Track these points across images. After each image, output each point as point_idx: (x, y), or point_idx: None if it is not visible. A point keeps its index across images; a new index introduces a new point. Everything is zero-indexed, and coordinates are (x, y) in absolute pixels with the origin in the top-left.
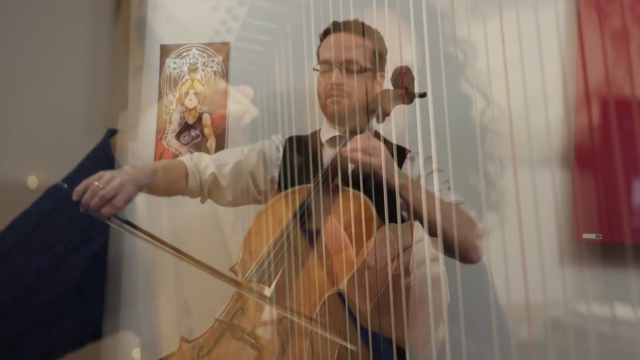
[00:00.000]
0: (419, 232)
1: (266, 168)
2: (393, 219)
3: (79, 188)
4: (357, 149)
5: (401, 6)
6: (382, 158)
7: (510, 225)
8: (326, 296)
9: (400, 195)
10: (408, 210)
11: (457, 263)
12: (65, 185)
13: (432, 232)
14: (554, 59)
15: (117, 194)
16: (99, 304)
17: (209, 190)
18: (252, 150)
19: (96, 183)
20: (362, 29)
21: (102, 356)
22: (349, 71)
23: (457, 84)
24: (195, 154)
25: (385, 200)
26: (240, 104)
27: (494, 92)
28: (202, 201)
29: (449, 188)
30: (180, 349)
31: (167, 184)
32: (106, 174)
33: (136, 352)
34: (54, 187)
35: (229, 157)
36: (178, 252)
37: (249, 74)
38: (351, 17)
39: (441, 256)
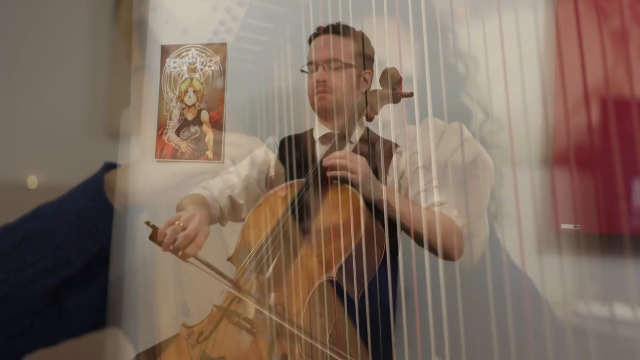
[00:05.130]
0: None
1: (265, 172)
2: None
3: (161, 228)
4: (335, 166)
5: (401, 14)
6: (359, 175)
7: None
8: (317, 283)
9: (377, 207)
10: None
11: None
12: (151, 222)
13: (415, 239)
14: (539, 65)
15: (198, 232)
16: (75, 307)
17: (227, 213)
18: (254, 162)
19: (177, 222)
20: (343, 30)
21: (104, 356)
22: (332, 68)
23: (457, 96)
24: (204, 183)
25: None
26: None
27: (485, 93)
28: (223, 224)
29: (435, 187)
30: (181, 334)
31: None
32: (184, 214)
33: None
34: (42, 209)
35: (235, 177)
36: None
37: (248, 74)
38: (341, 21)
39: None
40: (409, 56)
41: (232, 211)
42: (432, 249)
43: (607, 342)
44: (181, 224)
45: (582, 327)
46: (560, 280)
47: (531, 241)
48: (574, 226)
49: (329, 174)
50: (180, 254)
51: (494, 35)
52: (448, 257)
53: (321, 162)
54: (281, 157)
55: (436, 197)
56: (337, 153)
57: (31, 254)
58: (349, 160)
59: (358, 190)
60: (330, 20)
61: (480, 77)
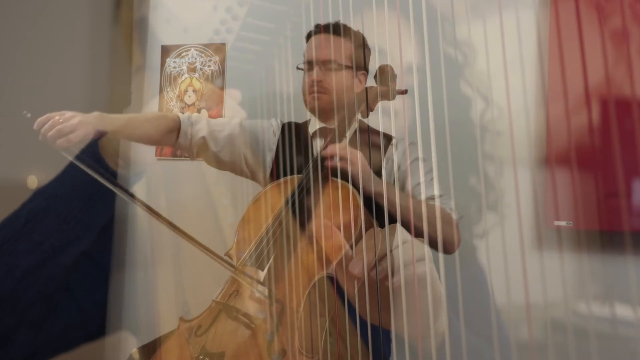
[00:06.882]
0: (404, 233)
1: (259, 148)
2: (380, 217)
3: (41, 119)
4: (335, 155)
5: (401, 7)
6: (359, 167)
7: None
8: (316, 279)
9: (377, 202)
10: (391, 215)
11: (457, 266)
12: (29, 115)
13: (411, 232)
14: (534, 61)
15: (74, 130)
16: (92, 306)
17: (197, 150)
18: (250, 127)
19: (57, 117)
20: (341, 30)
21: (105, 355)
22: (329, 69)
23: (457, 84)
24: (195, 114)
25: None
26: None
27: (485, 81)
28: (192, 159)
29: (431, 179)
30: (179, 328)
31: (156, 133)
32: (69, 112)
33: (137, 353)
34: (42, 188)
35: (226, 126)
36: (149, 209)
37: (249, 73)
38: (341, 19)
39: (427, 254)
40: (409, 48)
41: (203, 151)
42: (432, 243)
43: (607, 342)
44: (60, 120)
45: (582, 326)
46: (560, 278)
47: (530, 239)
48: (567, 223)
49: (329, 162)
50: (52, 144)
51: (493, 33)
52: (447, 250)
53: (319, 156)
54: (281, 142)
55: (436, 190)
56: (335, 145)
57: (38, 233)
58: (348, 152)
59: (357, 184)
60: (330, 20)
61: (479, 66)
